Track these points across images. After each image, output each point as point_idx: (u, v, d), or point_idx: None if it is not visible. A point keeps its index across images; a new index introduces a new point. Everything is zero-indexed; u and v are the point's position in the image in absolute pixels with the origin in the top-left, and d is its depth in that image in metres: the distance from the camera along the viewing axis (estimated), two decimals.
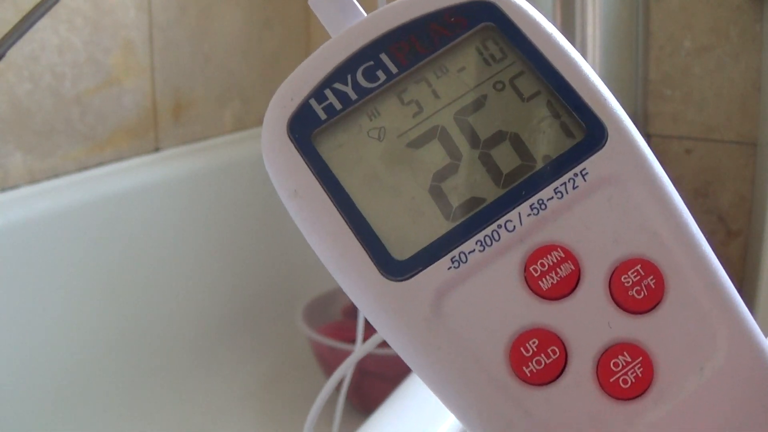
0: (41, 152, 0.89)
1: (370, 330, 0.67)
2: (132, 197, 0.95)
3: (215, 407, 0.98)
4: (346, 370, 0.36)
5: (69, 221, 0.87)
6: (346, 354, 0.90)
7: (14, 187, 0.86)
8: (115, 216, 0.93)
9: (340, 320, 1.01)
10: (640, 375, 0.20)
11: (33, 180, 0.89)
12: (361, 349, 0.34)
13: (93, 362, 0.90)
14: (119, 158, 0.98)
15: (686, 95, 1.00)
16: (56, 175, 0.91)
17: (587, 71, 0.22)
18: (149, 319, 0.97)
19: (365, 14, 0.24)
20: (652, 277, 0.20)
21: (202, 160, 1.06)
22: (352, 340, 0.87)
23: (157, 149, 1.04)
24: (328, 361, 0.94)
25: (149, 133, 1.02)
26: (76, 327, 0.88)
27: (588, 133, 0.21)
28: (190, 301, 1.03)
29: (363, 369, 0.89)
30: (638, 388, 0.20)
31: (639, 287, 0.20)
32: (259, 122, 1.31)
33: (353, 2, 0.24)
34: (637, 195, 0.21)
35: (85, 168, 0.94)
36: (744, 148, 0.98)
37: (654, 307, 0.20)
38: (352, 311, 1.00)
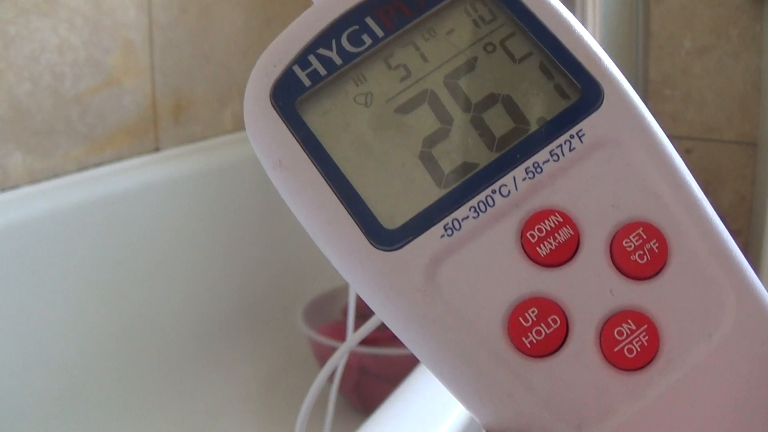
0: (41, 152, 0.89)
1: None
2: (132, 197, 0.95)
3: (215, 407, 0.98)
4: (338, 360, 0.36)
5: (69, 221, 0.87)
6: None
7: (14, 187, 0.86)
8: (115, 216, 0.93)
9: (340, 320, 1.01)
10: (645, 344, 0.19)
11: (33, 180, 0.89)
12: (353, 338, 0.34)
13: (93, 362, 0.90)
14: (119, 158, 0.98)
15: (686, 95, 1.00)
16: (56, 175, 0.91)
17: (580, 31, 0.21)
18: (149, 319, 0.97)
19: None
20: (654, 240, 0.20)
21: (202, 160, 1.06)
22: None
23: (157, 149, 1.04)
24: None
25: (149, 133, 1.02)
26: (76, 327, 0.88)
27: (583, 93, 0.21)
28: (190, 301, 1.03)
29: (363, 369, 0.89)
30: (644, 358, 0.19)
31: (641, 251, 0.19)
32: None
33: None
34: (636, 156, 0.20)
35: (85, 168, 0.94)
36: (744, 148, 0.98)
37: (658, 273, 0.19)
38: None
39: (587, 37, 0.21)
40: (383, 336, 0.89)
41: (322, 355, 0.95)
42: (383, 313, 0.20)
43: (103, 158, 0.96)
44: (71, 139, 0.92)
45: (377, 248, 0.20)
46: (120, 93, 0.97)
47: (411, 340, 0.20)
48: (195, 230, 1.03)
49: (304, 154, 0.20)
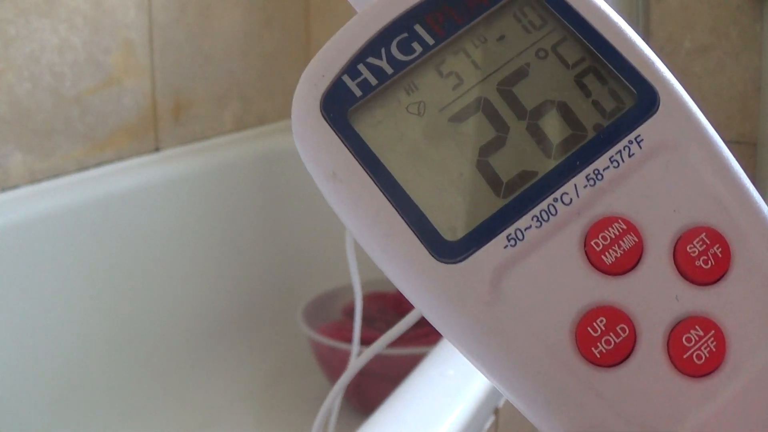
0: (41, 152, 0.89)
1: (367, 332, 0.67)
2: (132, 197, 0.95)
3: (215, 407, 0.98)
4: (349, 377, 0.36)
5: (69, 221, 0.87)
6: (346, 354, 0.90)
7: (14, 187, 0.86)
8: (115, 216, 0.93)
9: (340, 320, 1.01)
10: (713, 349, 0.19)
11: (33, 180, 0.88)
12: (365, 354, 0.34)
13: (92, 362, 0.90)
14: (119, 158, 0.98)
15: None
16: (56, 175, 0.91)
17: (631, 34, 0.21)
18: (149, 319, 0.97)
19: None
20: (718, 245, 0.19)
21: (202, 160, 1.06)
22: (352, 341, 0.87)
23: (157, 149, 1.04)
24: (328, 361, 0.94)
25: (149, 133, 1.02)
26: (76, 327, 0.88)
27: (639, 98, 0.20)
28: (190, 301, 1.03)
29: (363, 369, 0.89)
30: (712, 364, 0.19)
31: (705, 257, 0.19)
32: (259, 122, 1.31)
33: None
34: (694, 160, 0.20)
35: (85, 168, 0.94)
36: (744, 148, 0.98)
37: (721, 277, 0.19)
38: (352, 311, 1.00)
39: (639, 41, 0.21)
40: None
41: (322, 355, 0.95)
42: (447, 328, 0.20)
43: (103, 158, 0.96)
44: (71, 139, 0.92)
45: (439, 261, 0.19)
46: (120, 93, 0.97)
47: (477, 353, 0.19)
48: (195, 230, 1.03)
49: (359, 166, 0.20)
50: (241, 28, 1.14)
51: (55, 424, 0.85)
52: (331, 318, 1.02)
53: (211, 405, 0.98)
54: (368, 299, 1.00)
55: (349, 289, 1.05)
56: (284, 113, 1.24)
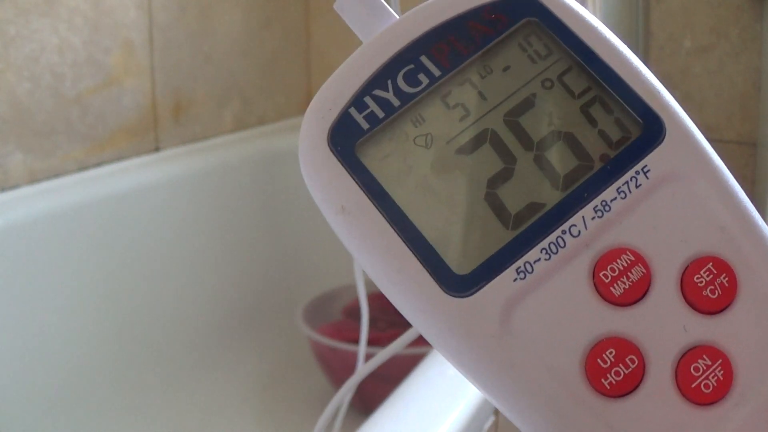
0: (41, 152, 0.89)
1: (369, 332, 0.67)
2: (132, 197, 0.95)
3: (215, 407, 0.98)
4: (356, 381, 0.36)
5: (69, 221, 0.87)
6: (346, 354, 0.90)
7: (14, 187, 0.86)
8: (115, 216, 0.93)
9: (340, 320, 1.01)
10: (721, 378, 0.19)
11: (33, 180, 0.88)
12: (372, 362, 0.34)
13: (92, 362, 0.90)
14: (119, 158, 0.98)
15: (686, 95, 1.00)
16: (56, 175, 0.91)
17: (637, 63, 0.21)
18: (149, 319, 0.97)
19: (397, 16, 0.22)
20: (724, 275, 0.20)
21: (202, 160, 1.06)
22: (352, 340, 0.87)
23: (157, 149, 1.04)
24: (328, 361, 0.94)
25: (149, 133, 1.02)
26: (76, 327, 0.88)
27: (645, 128, 0.20)
28: (190, 301, 1.03)
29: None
30: (720, 392, 0.19)
31: (713, 286, 0.19)
32: (259, 122, 1.31)
33: (383, 4, 0.23)
34: (700, 190, 0.20)
35: (85, 168, 0.94)
36: (744, 148, 0.98)
37: (728, 306, 0.20)
38: (352, 311, 1.00)
39: (644, 70, 0.21)
40: (383, 336, 0.89)
41: (322, 355, 0.95)
42: (457, 361, 0.20)
43: (103, 158, 0.96)
44: (71, 139, 0.92)
45: (450, 295, 0.19)
46: (120, 93, 0.97)
47: (488, 385, 0.20)
48: (195, 230, 1.03)
49: (368, 200, 0.20)
50: (241, 28, 1.14)
51: (55, 424, 0.85)
52: (331, 318, 1.02)
53: (211, 405, 0.98)
54: (369, 299, 1.00)
55: (349, 289, 1.05)
56: (284, 113, 1.24)
